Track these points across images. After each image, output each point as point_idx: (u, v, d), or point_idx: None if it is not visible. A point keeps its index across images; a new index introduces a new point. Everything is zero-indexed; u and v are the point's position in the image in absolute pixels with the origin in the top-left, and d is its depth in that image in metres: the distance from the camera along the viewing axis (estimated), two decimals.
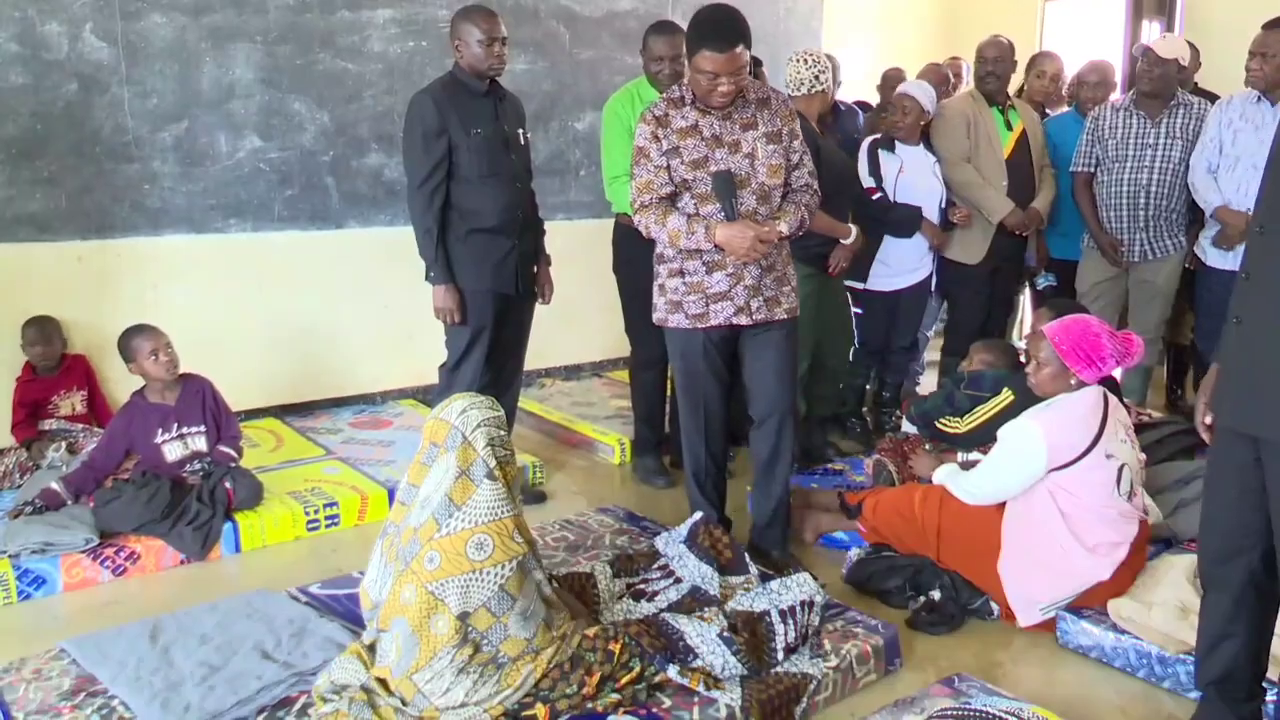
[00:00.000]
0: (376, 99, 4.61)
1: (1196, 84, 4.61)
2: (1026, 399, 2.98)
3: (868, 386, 4.64)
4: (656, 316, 3.04)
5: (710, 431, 3.09)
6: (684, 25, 3.77)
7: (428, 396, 4.93)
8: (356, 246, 4.66)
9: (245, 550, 3.31)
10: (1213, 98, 4.29)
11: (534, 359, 5.27)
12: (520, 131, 3.46)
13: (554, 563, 2.93)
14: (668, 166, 2.84)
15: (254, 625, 2.56)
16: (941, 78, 5.04)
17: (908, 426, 3.91)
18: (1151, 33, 5.60)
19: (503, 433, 2.21)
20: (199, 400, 3.44)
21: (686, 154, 2.82)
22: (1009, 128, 4.35)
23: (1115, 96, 4.58)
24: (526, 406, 4.87)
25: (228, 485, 3.32)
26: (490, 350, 3.47)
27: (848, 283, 4.35)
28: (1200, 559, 2.15)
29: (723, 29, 2.70)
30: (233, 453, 3.45)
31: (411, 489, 2.21)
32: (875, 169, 4.19)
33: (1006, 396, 3.10)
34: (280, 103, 4.38)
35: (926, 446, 3.42)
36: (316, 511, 3.46)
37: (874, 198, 4.16)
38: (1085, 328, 2.78)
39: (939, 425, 3.27)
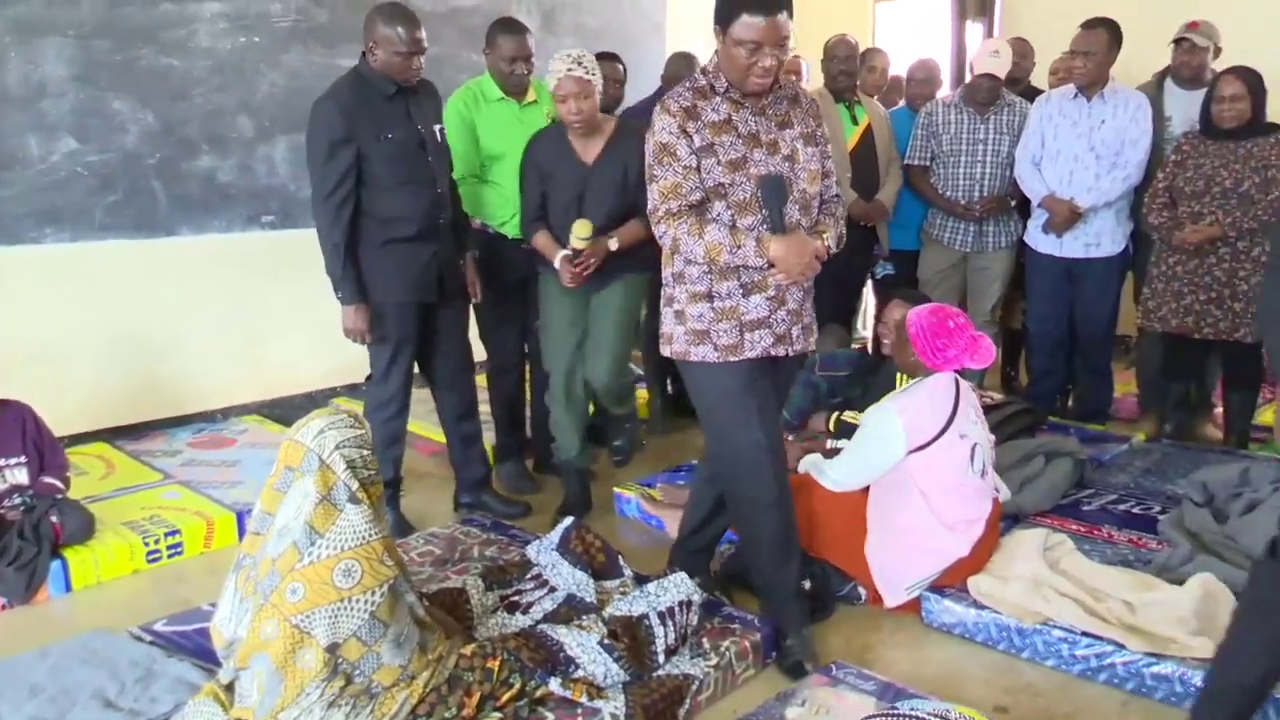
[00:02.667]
0: (206, 97, 4.34)
1: (1029, 83, 4.87)
2: (884, 385, 3.09)
3: None
4: (673, 350, 2.55)
5: (777, 487, 2.55)
6: (528, 23, 3.74)
7: (275, 411, 4.69)
8: (190, 255, 4.37)
9: (77, 589, 3.04)
10: (1038, 93, 4.56)
11: None
12: (437, 128, 3.22)
13: (422, 579, 2.82)
14: (699, 167, 2.40)
15: (93, 671, 2.36)
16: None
17: None
18: (974, 33, 5.89)
19: (365, 453, 2.10)
20: (18, 429, 3.14)
21: (723, 153, 2.39)
22: (854, 122, 4.49)
23: (944, 93, 4.79)
24: None
25: (54, 519, 3.05)
26: (418, 360, 3.35)
27: None
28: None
29: None
30: (58, 483, 3.17)
31: (266, 517, 2.07)
32: None
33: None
34: (98, 102, 4.06)
35: (789, 437, 3.48)
36: (157, 541, 3.22)
37: None
38: (940, 320, 2.88)
39: (845, 420, 3.35)
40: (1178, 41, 4.15)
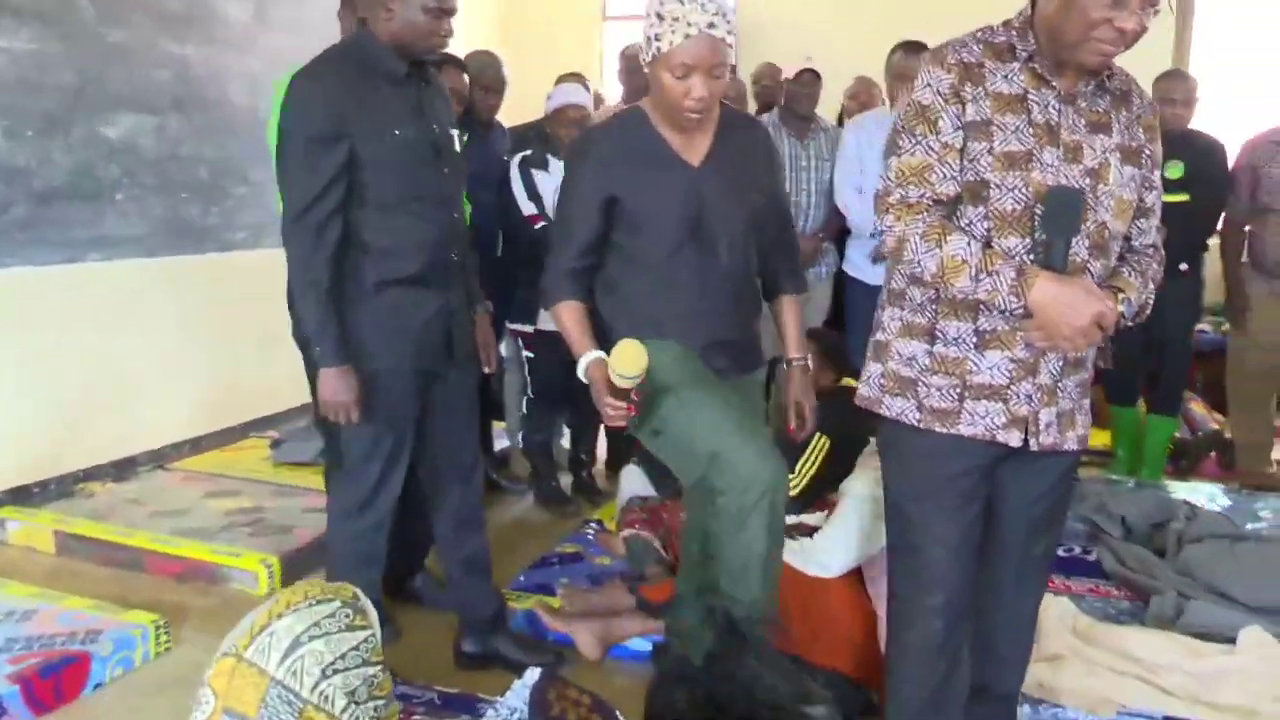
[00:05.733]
0: None
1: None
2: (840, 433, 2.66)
3: (565, 444, 4.00)
4: (865, 393, 1.85)
5: (949, 661, 1.81)
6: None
7: None
8: None
9: None
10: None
11: (65, 458, 3.79)
12: (454, 132, 2.36)
13: None
14: (963, 149, 1.66)
15: None
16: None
17: (631, 489, 3.35)
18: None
19: (373, 671, 1.21)
20: None
21: (999, 139, 1.65)
22: None
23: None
24: (78, 531, 3.39)
25: None
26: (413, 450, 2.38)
27: (513, 325, 3.73)
28: None
29: None
30: None
31: None
32: (533, 191, 3.57)
33: (822, 443, 2.72)
34: None
35: None
36: None
37: (537, 226, 3.54)
38: None
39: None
40: None
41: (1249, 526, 3.22)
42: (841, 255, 4.23)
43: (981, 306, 1.67)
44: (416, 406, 2.33)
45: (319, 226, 2.13)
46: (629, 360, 1.87)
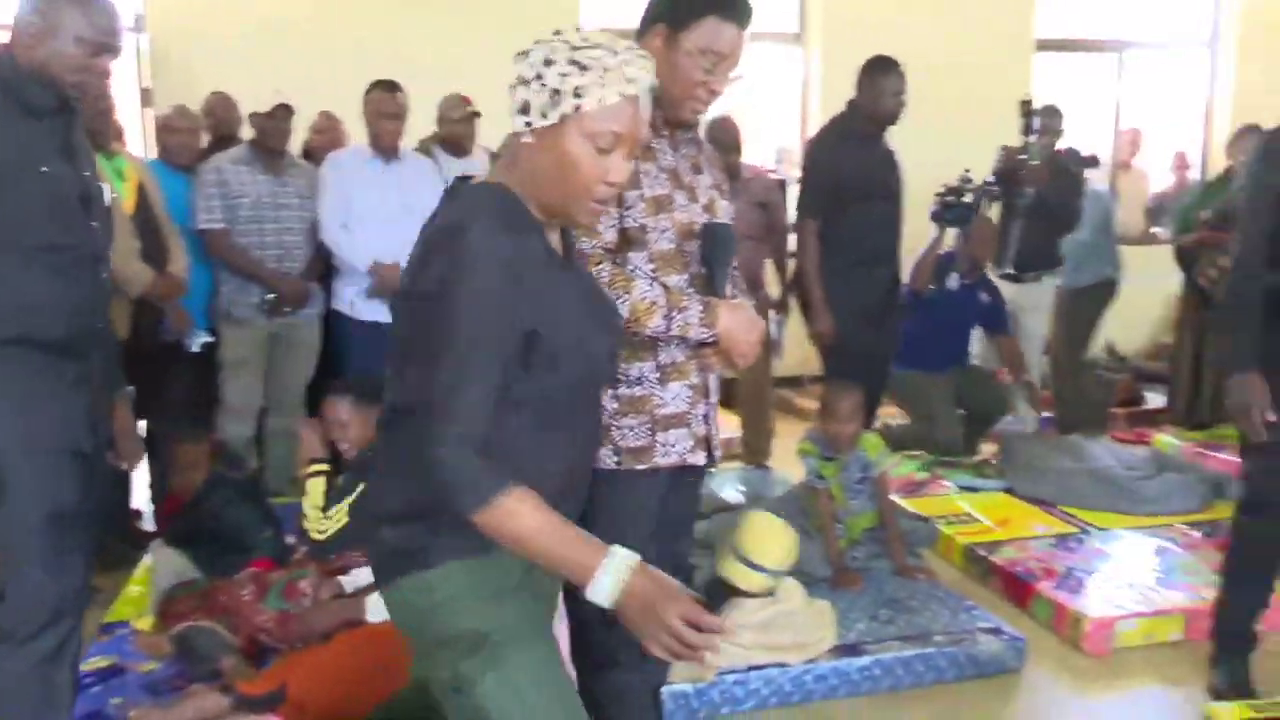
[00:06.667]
0: None
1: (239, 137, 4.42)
2: None
3: None
4: None
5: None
6: None
7: None
8: None
9: None
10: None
11: None
12: (105, 186, 2.09)
13: None
14: (619, 197, 1.77)
15: None
16: None
17: (167, 578, 2.88)
18: None
19: None
20: None
21: (647, 185, 1.82)
22: (121, 178, 3.53)
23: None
24: None
25: None
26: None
27: None
28: None
29: None
30: None
31: None
32: None
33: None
34: None
35: (303, 582, 2.62)
36: None
37: None
38: None
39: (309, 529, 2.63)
40: (468, 116, 4.34)
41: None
42: (328, 294, 4.13)
43: (659, 343, 1.81)
44: (77, 489, 1.90)
45: None
46: (776, 543, 1.23)
